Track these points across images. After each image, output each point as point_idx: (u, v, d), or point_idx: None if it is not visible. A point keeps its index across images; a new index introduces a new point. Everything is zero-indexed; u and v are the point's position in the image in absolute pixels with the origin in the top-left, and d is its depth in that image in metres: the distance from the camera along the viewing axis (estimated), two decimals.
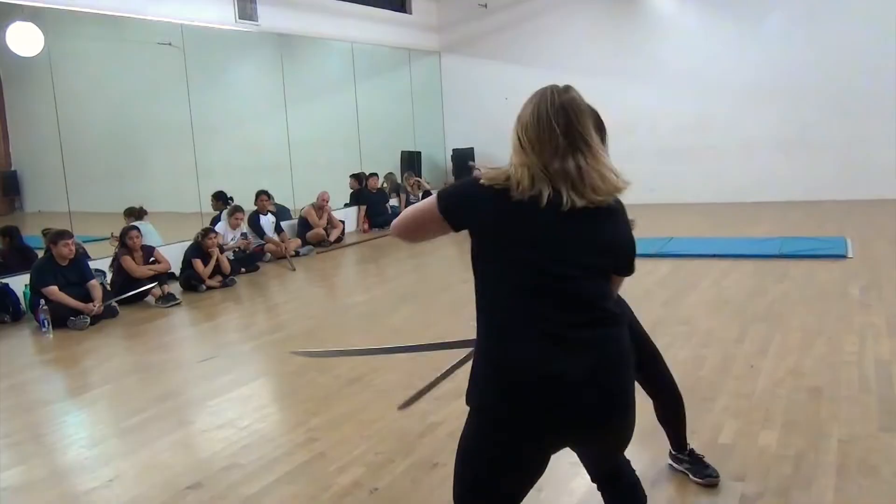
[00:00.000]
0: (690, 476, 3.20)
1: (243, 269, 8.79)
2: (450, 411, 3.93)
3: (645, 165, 12.78)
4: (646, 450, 3.33)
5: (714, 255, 7.93)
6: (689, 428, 3.67)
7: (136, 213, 9.13)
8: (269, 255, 9.61)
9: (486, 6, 13.85)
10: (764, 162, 12.20)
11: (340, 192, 12.22)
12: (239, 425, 4.13)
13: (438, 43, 14.55)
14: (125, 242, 7.56)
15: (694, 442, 3.52)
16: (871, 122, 11.48)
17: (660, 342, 5.01)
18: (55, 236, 6.90)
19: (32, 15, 7.90)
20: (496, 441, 1.84)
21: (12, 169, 14.15)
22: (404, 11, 13.62)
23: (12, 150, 14.25)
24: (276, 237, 9.80)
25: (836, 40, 11.54)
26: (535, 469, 1.90)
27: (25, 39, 8.00)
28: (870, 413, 3.73)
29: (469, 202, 1.89)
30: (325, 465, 3.55)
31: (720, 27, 12.39)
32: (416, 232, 2.05)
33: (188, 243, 8.30)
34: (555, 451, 1.92)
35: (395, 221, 2.08)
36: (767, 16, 12.05)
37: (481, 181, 1.87)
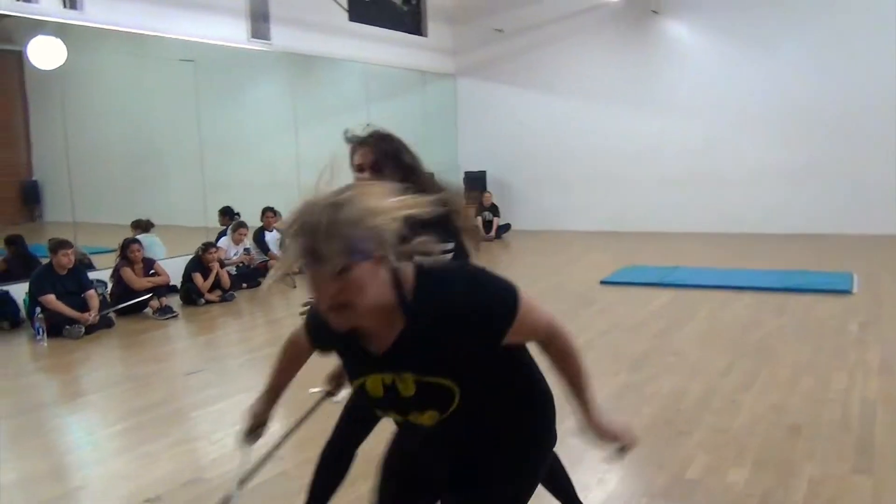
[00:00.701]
0: None
1: (244, 285, 8.83)
2: None
3: (650, 193, 12.77)
4: None
5: (715, 286, 7.85)
6: (658, 461, 3.64)
7: (142, 226, 9.24)
8: (270, 271, 9.63)
9: (502, 31, 13.92)
10: (771, 192, 12.09)
11: None
12: (212, 439, 4.13)
13: (454, 66, 14.63)
14: (126, 255, 7.63)
15: (661, 477, 3.48)
16: (881, 155, 11.37)
17: (645, 374, 5.02)
18: (55, 245, 6.99)
19: (56, 30, 8.05)
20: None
21: (33, 179, 14.44)
22: (419, 34, 13.72)
23: (34, 161, 14.55)
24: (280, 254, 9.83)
25: (847, 72, 11.47)
26: None
27: (48, 53, 8.15)
28: (845, 453, 3.65)
29: None
30: (287, 484, 3.53)
31: (733, 55, 12.35)
32: None
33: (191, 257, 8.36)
34: None
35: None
36: (780, 45, 11.99)
37: None
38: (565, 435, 3.74)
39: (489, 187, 13.83)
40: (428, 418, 1.74)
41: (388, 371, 1.69)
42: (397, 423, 1.89)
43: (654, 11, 12.68)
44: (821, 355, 5.34)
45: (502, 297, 1.67)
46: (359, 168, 2.64)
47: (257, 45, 10.21)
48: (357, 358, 1.75)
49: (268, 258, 9.70)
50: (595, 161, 13.29)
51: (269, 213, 10.00)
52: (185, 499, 3.39)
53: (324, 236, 1.43)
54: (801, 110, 11.79)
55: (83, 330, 6.67)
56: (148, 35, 8.92)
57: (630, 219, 12.79)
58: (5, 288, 7.28)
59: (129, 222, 9.28)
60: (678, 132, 12.65)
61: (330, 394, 2.82)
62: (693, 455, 3.69)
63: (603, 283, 8.28)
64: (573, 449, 3.65)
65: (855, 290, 7.50)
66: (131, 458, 3.95)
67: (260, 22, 10.16)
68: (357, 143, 2.68)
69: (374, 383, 1.73)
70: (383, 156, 2.64)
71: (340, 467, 2.89)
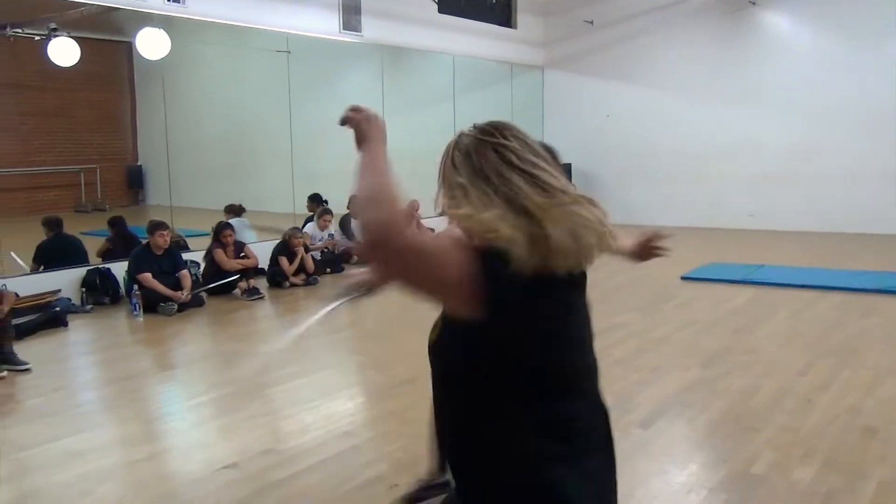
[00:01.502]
0: None
1: (328, 270, 9.09)
2: None
3: (746, 190, 12.41)
4: None
5: (801, 286, 7.61)
6: (724, 455, 3.62)
7: (235, 210, 9.64)
8: (356, 258, 9.90)
9: (592, 23, 13.79)
10: (871, 192, 11.56)
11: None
12: (286, 413, 4.34)
13: (543, 58, 14.58)
14: (219, 238, 7.99)
15: (724, 470, 3.47)
16: None
17: (718, 370, 4.97)
18: (153, 227, 7.40)
19: (163, 22, 8.47)
20: None
21: (138, 164, 15.24)
22: (509, 26, 13.73)
23: (139, 147, 15.35)
24: None
25: None
26: None
27: (153, 44, 8.56)
28: None
29: None
30: (356, 458, 3.69)
31: (833, 50, 11.85)
32: None
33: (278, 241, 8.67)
34: None
35: None
36: (885, 41, 11.45)
37: None
38: (631, 426, 3.78)
39: (574, 180, 13.50)
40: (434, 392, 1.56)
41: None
42: None
43: (752, 2, 12.29)
44: None
45: None
46: None
47: (348, 37, 10.46)
48: None
49: (352, 245, 9.96)
50: (684, 156, 13.01)
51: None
52: (259, 467, 3.58)
53: None
54: None
55: (176, 307, 7.03)
56: (244, 27, 9.27)
57: (719, 215, 12.46)
58: (108, 266, 7.74)
59: (223, 207, 9.69)
60: (773, 128, 12.23)
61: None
62: (760, 451, 3.65)
63: (684, 278, 8.15)
64: (637, 439, 3.68)
65: None
66: (210, 429, 4.20)
67: (351, 14, 10.39)
68: None
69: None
70: None
71: None
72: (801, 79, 12.05)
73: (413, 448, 3.76)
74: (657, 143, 13.28)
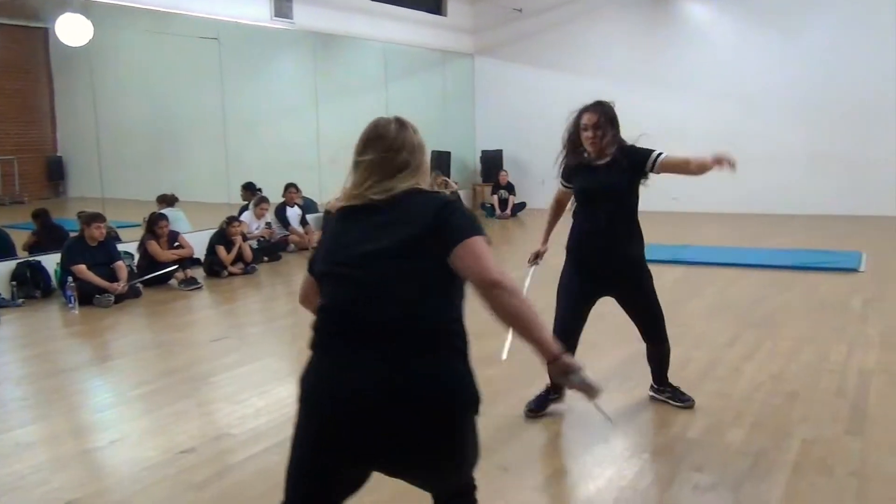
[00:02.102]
0: (671, 402, 3.99)
1: (266, 258, 9.08)
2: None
3: (671, 174, 12.82)
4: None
5: (726, 264, 7.99)
6: (661, 422, 3.84)
7: (167, 200, 9.49)
8: (292, 245, 9.89)
9: (521, 10, 14.00)
10: (789, 173, 12.15)
11: None
12: (237, 399, 4.37)
13: (473, 45, 14.74)
14: (153, 229, 7.88)
15: (663, 436, 3.69)
16: None
17: None
18: (89, 218, 7.25)
19: (82, 7, 8.25)
20: None
21: (58, 154, 14.73)
22: (439, 13, 13.84)
23: (59, 137, 14.83)
24: (300, 229, 10.08)
25: (872, 55, 11.45)
26: None
27: (74, 30, 8.33)
28: (839, 416, 3.83)
29: None
30: None
31: (755, 37, 12.38)
32: None
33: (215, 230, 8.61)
34: None
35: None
36: (802, 26, 11.99)
37: None
38: (574, 399, 3.95)
39: (505, 166, 13.98)
40: None
41: None
42: None
43: None
44: (823, 329, 5.50)
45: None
46: (584, 127, 3.73)
47: (279, 24, 10.39)
48: None
49: (288, 233, 9.94)
50: None
51: (291, 188, 10.21)
52: (217, 450, 3.63)
53: None
54: (820, 92, 11.81)
55: (112, 299, 6.94)
56: (172, 13, 9.11)
57: (645, 199, 12.81)
58: (38, 258, 7.56)
59: (154, 197, 9.53)
60: (697, 113, 12.69)
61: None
62: (695, 417, 3.89)
63: None
64: (581, 410, 3.87)
65: (862, 268, 7.63)
66: (161, 416, 4.20)
67: (282, 1, 10.33)
68: (586, 108, 3.76)
69: None
70: (605, 118, 3.73)
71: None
72: (723, 65, 12.53)
73: None
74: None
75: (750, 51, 12.38)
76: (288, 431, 3.81)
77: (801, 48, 12.02)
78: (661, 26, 13.09)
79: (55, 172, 14.68)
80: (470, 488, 2.15)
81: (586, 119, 3.72)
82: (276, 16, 10.25)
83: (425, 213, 1.92)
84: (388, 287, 1.87)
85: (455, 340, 1.91)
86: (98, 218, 7.27)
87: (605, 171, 3.78)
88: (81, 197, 11.67)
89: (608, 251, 3.79)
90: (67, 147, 14.36)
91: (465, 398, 1.90)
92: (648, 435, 3.76)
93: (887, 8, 11.38)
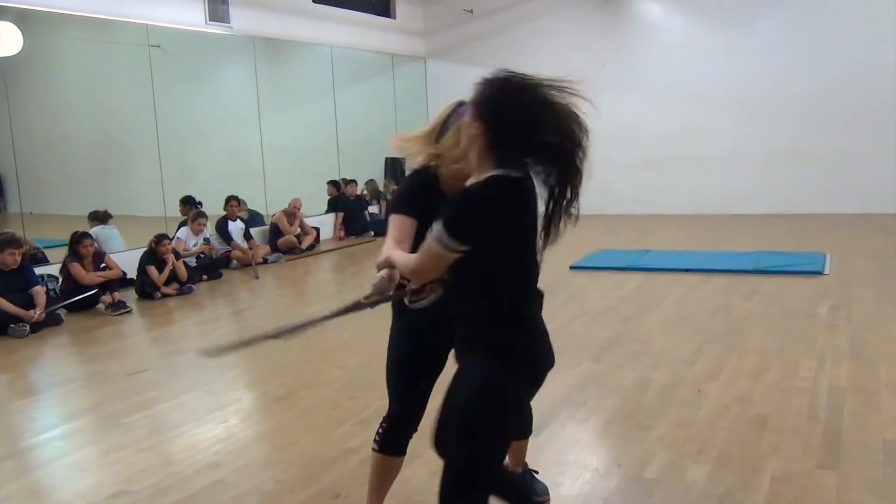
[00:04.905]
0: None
1: (205, 277, 8.54)
2: (368, 436, 3.66)
3: (628, 175, 12.54)
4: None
5: (687, 270, 7.66)
6: (618, 460, 3.45)
7: (100, 217, 8.91)
8: (235, 262, 9.36)
9: (471, 12, 13.62)
10: (750, 174, 11.93)
11: (320, 199, 11.99)
12: (143, 446, 3.88)
13: (424, 48, 14.33)
14: (76, 250, 7.32)
15: (619, 477, 3.29)
16: (860, 135, 11.20)
17: (608, 363, 4.82)
18: (1, 244, 6.67)
19: (16, 16, 7.71)
20: None
21: None
22: (388, 16, 13.40)
23: None
24: (244, 244, 9.56)
25: (826, 51, 11.28)
26: None
27: (4, 40, 7.79)
28: (812, 446, 3.46)
29: None
30: (220, 493, 3.30)
31: (708, 36, 12.15)
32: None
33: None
34: None
35: None
36: (756, 25, 11.81)
37: None
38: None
39: None
40: None
41: None
42: None
43: None
44: (789, 340, 5.16)
45: None
46: None
47: (216, 29, 9.87)
48: None
49: (230, 248, 9.42)
50: None
51: (233, 201, 9.70)
52: None
53: None
54: (776, 90, 11.60)
55: (28, 328, 6.37)
56: (108, 19, 8.59)
57: (605, 201, 12.55)
58: None
59: (87, 213, 8.95)
60: (653, 114, 12.44)
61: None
62: (654, 451, 3.49)
63: (573, 268, 8.06)
64: (529, 448, 3.43)
65: (826, 270, 7.34)
66: (57, 469, 3.71)
67: (218, 4, 9.81)
68: None
69: None
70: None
71: None
72: (677, 65, 12.27)
73: (284, 476, 3.42)
74: None
75: (703, 49, 12.15)
76: (196, 485, 3.38)
77: (752, 44, 11.82)
78: (616, 26, 12.81)
79: None
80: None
81: None
82: (211, 20, 9.73)
83: None
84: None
85: None
86: (12, 244, 6.67)
87: None
88: (20, 213, 11.03)
89: None
90: (6, 162, 13.67)
91: None
92: (603, 476, 3.32)
93: (839, 6, 11.20)
